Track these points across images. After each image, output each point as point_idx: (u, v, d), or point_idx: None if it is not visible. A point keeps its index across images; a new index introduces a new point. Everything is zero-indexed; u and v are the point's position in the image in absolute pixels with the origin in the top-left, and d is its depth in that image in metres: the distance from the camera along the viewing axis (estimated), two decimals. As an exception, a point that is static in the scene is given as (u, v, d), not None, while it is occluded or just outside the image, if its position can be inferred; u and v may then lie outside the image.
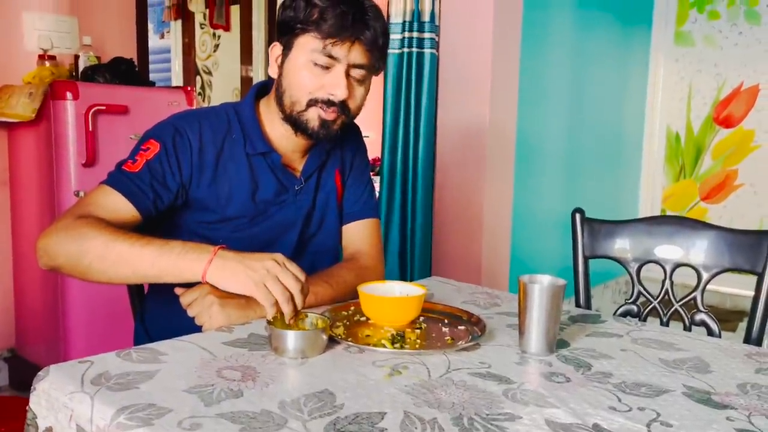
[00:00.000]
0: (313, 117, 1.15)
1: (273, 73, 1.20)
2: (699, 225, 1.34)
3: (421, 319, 1.12)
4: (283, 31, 1.16)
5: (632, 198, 4.12)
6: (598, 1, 3.48)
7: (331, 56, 1.11)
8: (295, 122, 1.17)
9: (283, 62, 1.17)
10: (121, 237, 1.01)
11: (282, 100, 1.18)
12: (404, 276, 2.88)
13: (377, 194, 1.82)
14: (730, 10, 3.77)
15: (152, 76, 3.34)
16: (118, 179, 1.11)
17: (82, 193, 2.25)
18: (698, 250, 1.32)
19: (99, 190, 1.11)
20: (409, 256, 2.87)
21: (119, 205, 1.09)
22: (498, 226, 2.88)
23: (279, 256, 0.99)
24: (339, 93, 1.13)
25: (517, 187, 3.00)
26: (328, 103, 1.14)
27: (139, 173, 1.11)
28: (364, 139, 1.41)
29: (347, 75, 1.13)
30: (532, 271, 1.10)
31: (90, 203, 1.09)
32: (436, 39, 2.79)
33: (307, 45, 1.12)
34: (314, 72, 1.13)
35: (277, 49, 1.19)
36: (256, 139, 1.20)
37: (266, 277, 0.96)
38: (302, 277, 0.99)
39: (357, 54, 1.12)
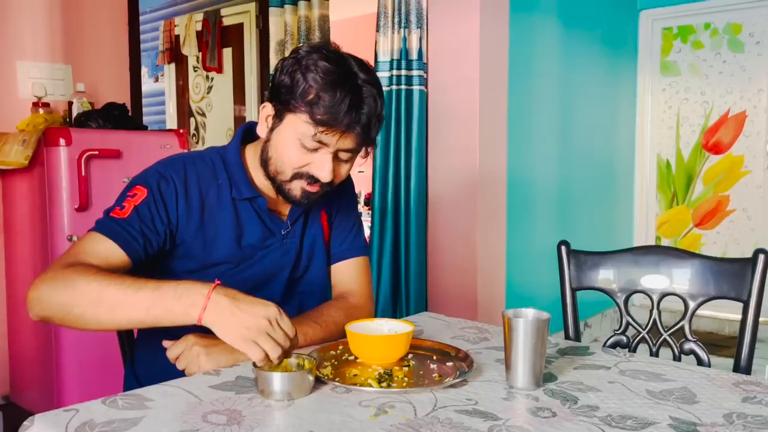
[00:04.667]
0: (296, 188, 1.16)
1: (261, 132, 1.19)
2: (683, 254, 1.35)
3: (410, 356, 1.12)
4: (276, 97, 1.15)
5: (627, 227, 4.14)
6: (583, 34, 3.55)
7: (320, 141, 1.11)
8: (278, 188, 1.19)
9: (272, 128, 1.17)
10: (113, 282, 1.00)
11: (267, 164, 1.18)
12: (399, 312, 2.88)
13: (368, 230, 1.83)
14: (713, 40, 3.85)
15: (147, 119, 3.38)
16: (106, 225, 1.11)
17: (75, 238, 2.26)
18: (683, 279, 1.33)
19: (88, 237, 1.11)
20: (404, 293, 2.87)
21: (109, 251, 1.09)
22: (492, 261, 2.89)
23: (272, 312, 0.97)
24: (324, 176, 1.13)
25: (511, 221, 3.02)
26: (312, 178, 1.15)
27: (128, 219, 1.12)
28: (359, 173, 1.43)
29: (334, 156, 1.14)
30: (529, 304, 1.11)
31: (79, 251, 1.08)
32: (425, 76, 2.84)
33: (298, 125, 1.11)
34: (301, 151, 1.13)
35: (268, 110, 1.18)
36: (242, 184, 1.21)
37: (258, 336, 0.95)
38: (292, 333, 0.99)
39: (347, 141, 1.13)
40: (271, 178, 1.19)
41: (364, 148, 1.17)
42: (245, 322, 0.95)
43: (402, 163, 2.85)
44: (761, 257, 1.27)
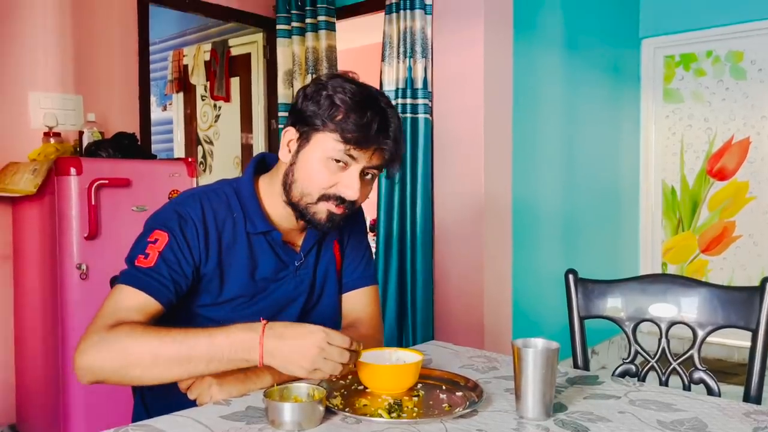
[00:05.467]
0: (321, 210, 1.17)
1: (284, 157, 1.20)
2: (690, 282, 1.35)
3: (419, 385, 1.12)
4: (301, 121, 1.16)
5: (633, 253, 4.14)
6: (586, 62, 3.60)
7: (350, 157, 1.13)
8: (301, 212, 1.19)
9: (297, 151, 1.17)
10: (165, 340, 1.01)
11: (291, 188, 1.18)
12: (405, 340, 2.87)
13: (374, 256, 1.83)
14: (715, 67, 3.89)
15: (155, 147, 3.42)
16: (135, 277, 1.10)
17: (84, 266, 2.28)
18: (691, 307, 1.33)
19: (119, 291, 1.09)
20: (410, 320, 2.87)
21: (144, 304, 1.08)
22: (499, 288, 2.89)
23: (319, 338, 1.00)
24: (351, 194, 1.15)
25: (516, 247, 3.02)
26: (339, 199, 1.16)
27: (156, 267, 1.10)
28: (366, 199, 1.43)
29: (361, 175, 1.16)
30: (536, 332, 1.11)
31: (116, 308, 1.07)
32: (430, 104, 2.87)
33: (327, 143, 1.13)
34: (330, 169, 1.14)
35: (291, 134, 1.19)
36: (256, 218, 1.21)
37: (315, 363, 0.99)
38: (347, 344, 1.02)
39: (375, 159, 1.15)
40: (294, 204, 1.19)
41: (387, 169, 1.19)
42: (301, 355, 0.99)
43: (408, 190, 2.87)
44: (769, 285, 1.27)
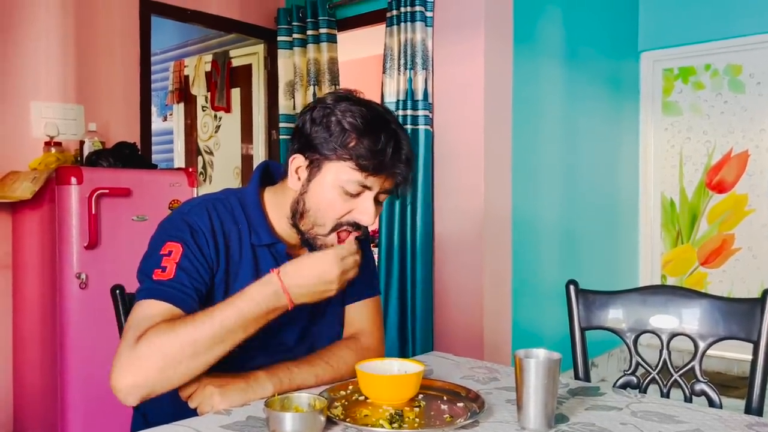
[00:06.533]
0: (332, 239, 1.16)
1: (293, 185, 1.17)
2: (691, 294, 1.35)
3: (420, 396, 1.11)
4: (309, 148, 1.13)
5: (632, 265, 4.14)
6: (586, 75, 3.61)
7: (365, 186, 1.11)
8: (308, 240, 1.18)
9: (308, 179, 1.14)
10: (197, 326, 1.01)
11: (302, 217, 1.16)
12: (406, 351, 2.86)
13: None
14: (713, 80, 3.91)
15: (155, 157, 3.43)
16: (157, 290, 1.07)
17: (84, 276, 2.27)
18: (692, 319, 1.33)
19: (142, 306, 1.07)
20: (410, 330, 2.86)
21: (169, 313, 1.06)
22: (498, 299, 2.88)
23: (332, 256, 1.08)
24: (366, 219, 1.14)
25: (516, 259, 3.02)
26: (354, 225, 1.15)
27: (176, 278, 1.09)
28: None
29: (375, 200, 1.14)
30: (535, 343, 1.11)
31: (140, 321, 1.04)
32: (430, 116, 2.88)
33: (341, 172, 1.11)
34: (344, 197, 1.12)
35: (299, 161, 1.15)
36: (261, 230, 1.20)
37: (341, 276, 1.09)
38: (354, 249, 1.11)
39: (388, 183, 1.14)
40: (302, 231, 1.17)
41: (399, 190, 1.18)
42: (327, 280, 1.08)
43: (408, 201, 2.88)
44: (770, 297, 1.27)
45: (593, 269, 3.66)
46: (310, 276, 1.06)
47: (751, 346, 1.29)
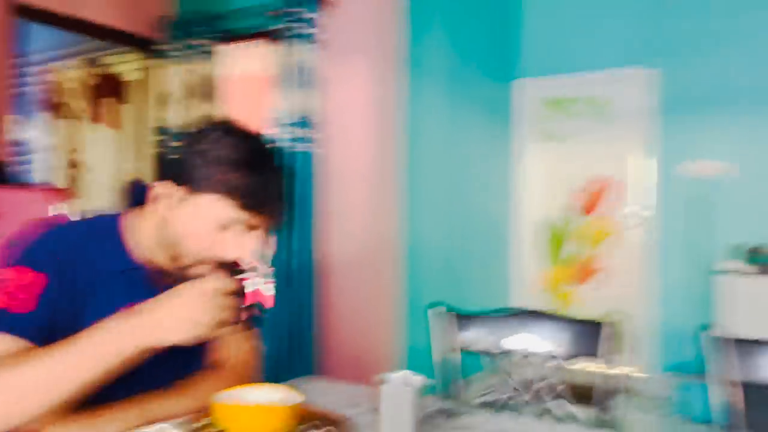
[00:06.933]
0: (199, 271, 1.10)
1: (159, 211, 1.11)
2: (542, 315, 1.45)
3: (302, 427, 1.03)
4: (180, 175, 1.07)
5: (505, 285, 4.33)
6: (466, 101, 3.75)
7: (238, 220, 1.07)
8: (174, 270, 1.12)
9: (176, 207, 1.08)
10: (38, 365, 0.95)
11: (169, 248, 1.11)
12: (283, 376, 2.83)
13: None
14: (583, 109, 4.21)
15: (22, 170, 3.19)
16: (14, 326, 1.01)
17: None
18: (544, 339, 1.42)
19: None
20: (288, 355, 2.83)
21: (13, 347, 1.00)
22: (387, 321, 2.90)
23: (199, 287, 0.99)
24: (240, 254, 1.08)
25: (411, 281, 3.05)
26: (224, 260, 1.09)
27: (36, 312, 1.03)
28: None
29: (247, 232, 1.10)
30: (421, 365, 1.13)
31: None
32: (316, 136, 2.89)
33: (214, 208, 1.06)
34: (215, 232, 1.07)
35: (166, 188, 1.09)
36: (122, 254, 1.14)
37: (213, 313, 0.98)
38: (234, 285, 1.02)
39: (265, 220, 1.10)
40: (170, 259, 1.12)
41: (271, 224, 1.13)
42: (190, 312, 0.98)
43: (295, 223, 2.85)
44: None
45: (471, 290, 3.79)
46: (168, 306, 0.99)
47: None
